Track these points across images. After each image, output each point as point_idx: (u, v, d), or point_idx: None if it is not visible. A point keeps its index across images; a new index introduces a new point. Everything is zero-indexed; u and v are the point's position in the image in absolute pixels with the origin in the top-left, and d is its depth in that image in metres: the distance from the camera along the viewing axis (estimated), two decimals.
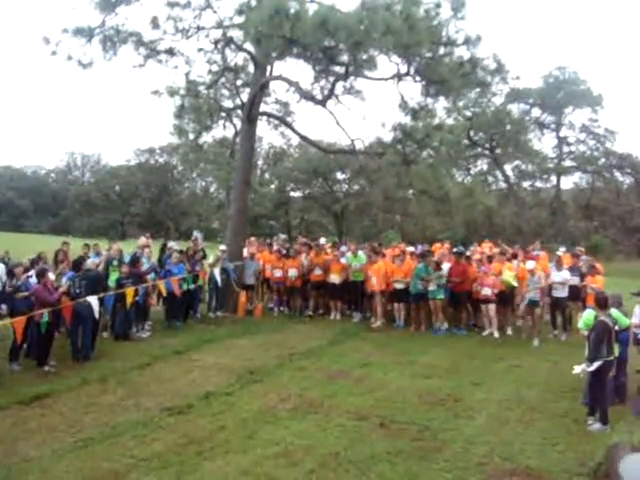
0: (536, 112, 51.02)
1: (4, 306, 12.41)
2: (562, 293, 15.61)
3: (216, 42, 22.51)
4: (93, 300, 12.47)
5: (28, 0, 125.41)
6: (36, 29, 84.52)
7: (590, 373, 9.09)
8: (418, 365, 12.61)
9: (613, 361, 9.10)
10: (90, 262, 13.70)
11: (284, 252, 19.76)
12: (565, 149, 52.00)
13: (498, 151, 47.13)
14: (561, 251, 19.95)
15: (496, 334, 15.76)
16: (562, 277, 15.65)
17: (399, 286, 17.06)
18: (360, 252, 18.88)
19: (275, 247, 20.73)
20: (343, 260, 18.75)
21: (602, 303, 9.38)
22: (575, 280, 15.95)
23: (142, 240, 18.43)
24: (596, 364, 8.94)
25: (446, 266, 17.03)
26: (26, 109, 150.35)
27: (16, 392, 9.97)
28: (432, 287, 16.39)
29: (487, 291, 15.96)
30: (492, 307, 15.96)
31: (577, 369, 9.21)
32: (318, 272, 18.70)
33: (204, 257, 18.99)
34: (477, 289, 16.32)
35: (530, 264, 15.72)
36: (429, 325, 16.77)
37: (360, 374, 11.76)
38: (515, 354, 13.74)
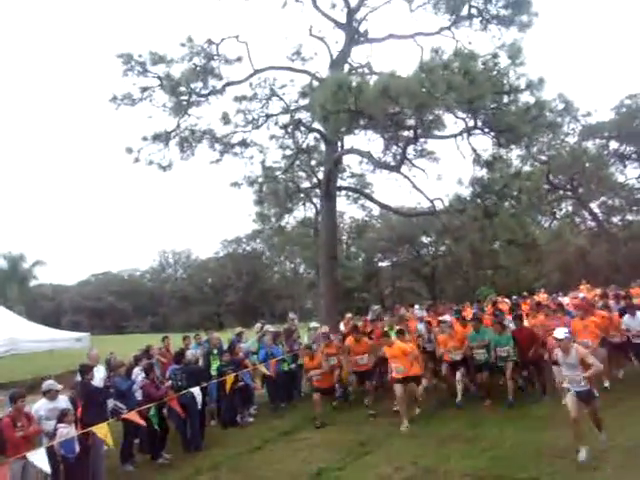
0: (614, 144, 49.87)
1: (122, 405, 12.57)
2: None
3: (285, 127, 23.28)
4: (195, 391, 12.72)
5: (109, 114, 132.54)
6: (119, 139, 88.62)
7: None
8: (530, 418, 12.07)
9: None
10: (190, 354, 14.05)
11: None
12: None
13: (581, 190, 46.13)
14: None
15: (606, 383, 13.44)
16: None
17: (456, 357, 14.64)
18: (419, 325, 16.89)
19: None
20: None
21: None
22: None
23: (257, 326, 18.99)
24: None
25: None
26: (117, 216, 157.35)
27: None
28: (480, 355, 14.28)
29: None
30: None
31: None
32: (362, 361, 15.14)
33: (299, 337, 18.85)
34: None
35: None
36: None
37: (473, 434, 11.40)
38: (634, 392, 12.82)
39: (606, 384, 13.29)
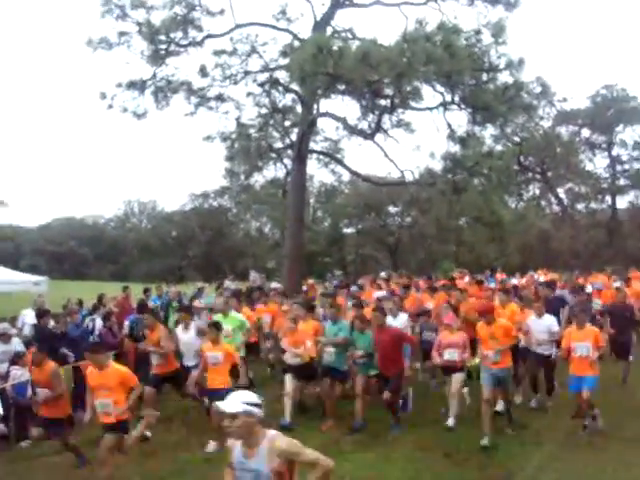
0: (586, 133, 50.35)
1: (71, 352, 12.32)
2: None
3: (263, 85, 23.07)
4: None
5: (84, 57, 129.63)
6: (92, 84, 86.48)
7: None
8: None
9: None
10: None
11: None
12: (618, 168, 51.02)
13: (550, 174, 46.60)
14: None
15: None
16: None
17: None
18: None
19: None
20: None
21: None
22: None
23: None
24: None
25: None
26: (85, 161, 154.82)
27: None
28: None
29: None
30: None
31: None
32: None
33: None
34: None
35: None
36: None
37: (421, 405, 11.42)
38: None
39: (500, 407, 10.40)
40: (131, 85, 21.55)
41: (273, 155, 25.38)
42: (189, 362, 11.11)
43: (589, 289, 18.09)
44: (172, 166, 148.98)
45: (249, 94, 23.82)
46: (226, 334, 10.58)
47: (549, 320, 11.04)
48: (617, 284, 17.24)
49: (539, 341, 10.85)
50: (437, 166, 21.59)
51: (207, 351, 9.51)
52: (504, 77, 18.95)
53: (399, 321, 11.89)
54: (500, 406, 10.27)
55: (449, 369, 10.35)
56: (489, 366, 9.49)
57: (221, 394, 8.09)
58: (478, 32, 18.07)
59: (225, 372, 9.45)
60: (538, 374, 11.18)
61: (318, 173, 49.23)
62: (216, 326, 9.70)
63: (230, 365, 9.58)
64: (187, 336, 11.25)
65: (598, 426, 9.38)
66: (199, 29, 21.63)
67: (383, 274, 22.09)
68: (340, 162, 26.77)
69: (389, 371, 10.01)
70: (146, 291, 17.10)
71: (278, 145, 25.30)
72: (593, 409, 9.40)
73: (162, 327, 11.44)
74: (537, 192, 50.86)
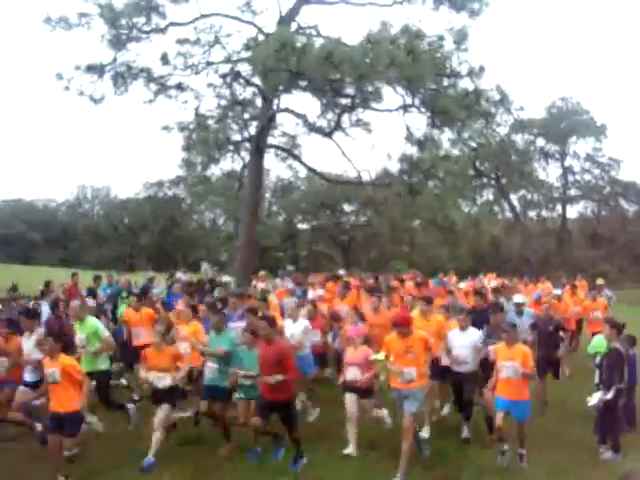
0: (541, 142, 51.39)
1: None
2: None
3: (225, 77, 22.90)
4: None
5: (41, 36, 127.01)
6: (48, 64, 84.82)
7: (601, 401, 8.90)
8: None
9: (624, 388, 8.99)
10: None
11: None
12: (570, 178, 52.25)
13: (504, 181, 47.33)
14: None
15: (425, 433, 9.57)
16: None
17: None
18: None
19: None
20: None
21: (618, 329, 9.27)
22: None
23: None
24: (612, 392, 8.81)
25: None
26: (38, 142, 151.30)
27: None
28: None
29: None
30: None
31: (593, 400, 9.01)
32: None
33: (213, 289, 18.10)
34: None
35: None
36: None
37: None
38: None
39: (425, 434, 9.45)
40: (90, 68, 21.17)
41: (231, 147, 25.20)
42: (27, 377, 9.55)
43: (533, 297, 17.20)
44: (128, 153, 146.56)
45: (210, 85, 23.62)
46: (81, 344, 9.55)
47: (474, 334, 9.61)
48: (557, 292, 17.21)
49: (460, 359, 9.40)
50: (394, 167, 21.78)
51: (45, 366, 7.97)
52: (464, 83, 19.20)
53: (297, 327, 10.73)
54: (465, 432, 9.59)
55: (354, 389, 9.02)
56: (401, 386, 8.21)
57: (61, 420, 7.65)
58: (441, 38, 18.29)
59: (67, 393, 7.85)
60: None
61: (275, 168, 49.12)
62: (56, 337, 8.12)
63: (74, 384, 7.91)
64: (27, 345, 9.68)
65: (505, 462, 8.51)
66: (162, 16, 21.33)
67: (341, 271, 21.94)
68: (297, 158, 26.77)
69: (274, 395, 8.23)
70: (97, 279, 16.79)
71: (236, 138, 25.12)
72: (503, 443, 8.55)
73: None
74: (491, 198, 51.61)
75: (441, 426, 10.17)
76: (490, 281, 22.67)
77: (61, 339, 8.18)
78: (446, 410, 10.94)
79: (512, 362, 8.36)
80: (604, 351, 9.48)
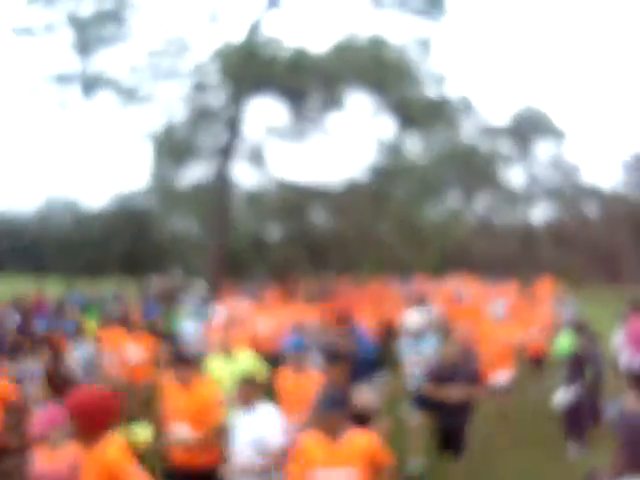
0: (505, 147, 52.25)
1: None
2: None
3: (194, 85, 22.98)
4: None
5: (6, 40, 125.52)
6: (15, 74, 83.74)
7: (566, 399, 9.11)
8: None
9: (589, 385, 9.24)
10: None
11: None
12: (534, 182, 53.33)
13: (470, 185, 48.05)
14: None
15: None
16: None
17: None
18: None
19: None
20: None
21: (581, 327, 9.65)
22: None
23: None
24: (576, 389, 9.06)
25: None
26: (4, 152, 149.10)
27: None
28: None
29: None
30: None
31: (559, 398, 9.21)
32: None
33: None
34: None
35: None
36: None
37: None
38: None
39: None
40: (59, 78, 21.18)
41: (200, 156, 25.32)
42: None
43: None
44: (97, 163, 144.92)
45: (178, 94, 23.74)
46: None
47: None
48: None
49: None
50: (361, 174, 22.06)
51: None
52: (430, 90, 19.56)
53: None
54: None
55: None
56: None
57: None
58: (407, 46, 18.59)
59: None
60: None
61: (244, 174, 48.87)
62: None
63: None
64: None
65: None
66: (129, 26, 21.40)
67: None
68: (265, 165, 26.94)
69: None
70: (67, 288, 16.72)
71: (205, 145, 25.25)
72: None
73: None
74: (457, 202, 52.27)
75: None
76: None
77: None
78: None
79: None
80: (567, 351, 9.73)
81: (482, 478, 8.18)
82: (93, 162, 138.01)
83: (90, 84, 21.21)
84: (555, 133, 51.19)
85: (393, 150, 20.72)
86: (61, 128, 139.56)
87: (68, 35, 20.65)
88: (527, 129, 50.79)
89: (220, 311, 11.24)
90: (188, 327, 11.00)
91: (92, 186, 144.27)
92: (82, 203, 79.93)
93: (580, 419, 9.27)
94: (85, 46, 20.86)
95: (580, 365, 9.24)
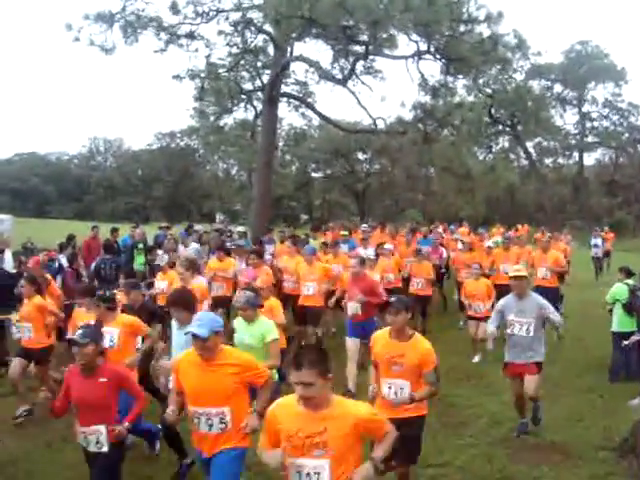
0: (558, 88, 50.59)
1: None
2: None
3: (236, 24, 22.46)
4: None
5: None
6: (58, 16, 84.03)
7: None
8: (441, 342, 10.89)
9: None
10: None
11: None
12: (588, 125, 51.56)
13: (520, 128, 46.79)
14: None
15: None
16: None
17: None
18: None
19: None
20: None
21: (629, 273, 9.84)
22: None
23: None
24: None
25: None
26: (49, 95, 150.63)
27: None
28: None
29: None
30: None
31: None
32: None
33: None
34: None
35: None
36: None
37: None
38: None
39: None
40: (99, 18, 20.83)
41: (243, 97, 24.95)
42: None
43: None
44: (140, 104, 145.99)
45: (221, 33, 23.22)
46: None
47: None
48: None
49: None
50: (408, 115, 21.52)
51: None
52: (481, 29, 18.80)
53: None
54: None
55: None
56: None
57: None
58: None
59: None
60: None
61: (288, 116, 48.41)
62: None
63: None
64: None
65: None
66: None
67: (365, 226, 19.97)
68: (311, 106, 26.45)
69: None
70: (114, 231, 16.61)
71: (249, 87, 24.85)
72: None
73: None
74: (506, 145, 51.13)
75: (456, 373, 10.28)
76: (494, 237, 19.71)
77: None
78: (477, 359, 11.33)
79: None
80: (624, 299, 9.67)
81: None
82: (136, 103, 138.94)
83: (131, 24, 20.83)
84: (613, 72, 48.98)
85: (441, 91, 20.06)
86: (104, 69, 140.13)
87: None
88: (582, 67, 48.74)
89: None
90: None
91: (135, 127, 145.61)
92: (125, 145, 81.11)
93: None
94: None
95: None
